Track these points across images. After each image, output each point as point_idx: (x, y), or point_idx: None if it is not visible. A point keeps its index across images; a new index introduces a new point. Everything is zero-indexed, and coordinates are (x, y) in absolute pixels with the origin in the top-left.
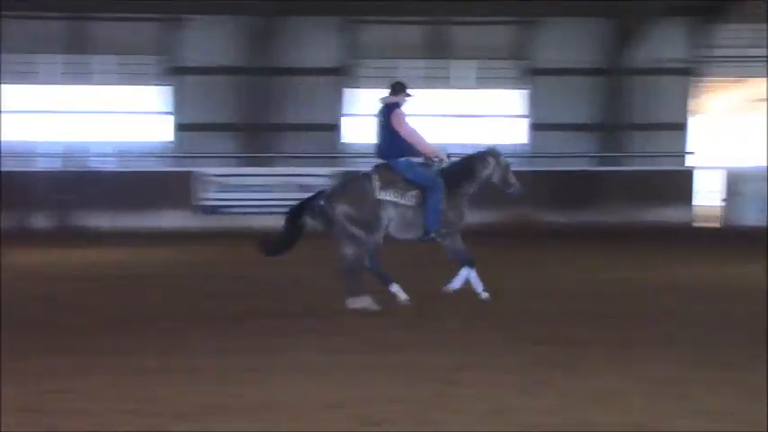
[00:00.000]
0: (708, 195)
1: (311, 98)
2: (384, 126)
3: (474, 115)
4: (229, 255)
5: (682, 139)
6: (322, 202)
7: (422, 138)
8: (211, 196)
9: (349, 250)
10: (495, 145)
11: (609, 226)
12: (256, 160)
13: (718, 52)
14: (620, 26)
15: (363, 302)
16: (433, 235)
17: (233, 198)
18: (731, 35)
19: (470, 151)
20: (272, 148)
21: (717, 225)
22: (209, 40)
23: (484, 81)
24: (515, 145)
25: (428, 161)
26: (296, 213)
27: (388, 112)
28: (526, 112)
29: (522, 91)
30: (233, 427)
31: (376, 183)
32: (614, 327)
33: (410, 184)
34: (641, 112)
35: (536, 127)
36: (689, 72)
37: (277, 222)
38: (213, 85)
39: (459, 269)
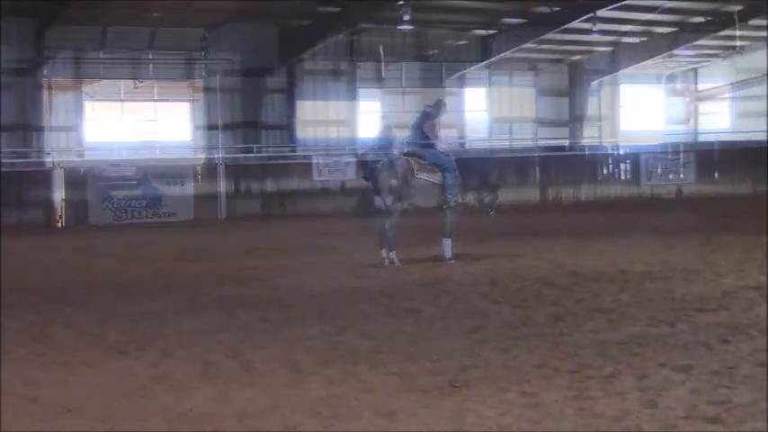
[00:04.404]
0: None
1: None
2: (418, 127)
3: None
4: None
5: (38, 139)
6: (376, 169)
7: (440, 138)
8: None
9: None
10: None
11: None
12: None
13: (58, 53)
14: None
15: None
16: (451, 203)
17: None
18: (68, 36)
19: None
20: None
21: (61, 224)
22: None
23: None
24: None
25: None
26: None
27: (425, 118)
28: None
29: None
30: None
31: (414, 165)
32: None
33: (435, 166)
34: None
35: None
36: (30, 72)
37: None
38: None
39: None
